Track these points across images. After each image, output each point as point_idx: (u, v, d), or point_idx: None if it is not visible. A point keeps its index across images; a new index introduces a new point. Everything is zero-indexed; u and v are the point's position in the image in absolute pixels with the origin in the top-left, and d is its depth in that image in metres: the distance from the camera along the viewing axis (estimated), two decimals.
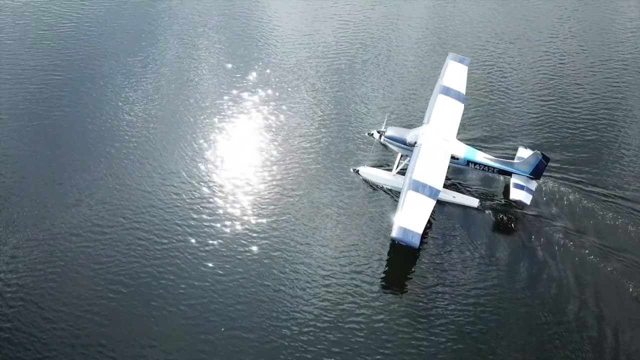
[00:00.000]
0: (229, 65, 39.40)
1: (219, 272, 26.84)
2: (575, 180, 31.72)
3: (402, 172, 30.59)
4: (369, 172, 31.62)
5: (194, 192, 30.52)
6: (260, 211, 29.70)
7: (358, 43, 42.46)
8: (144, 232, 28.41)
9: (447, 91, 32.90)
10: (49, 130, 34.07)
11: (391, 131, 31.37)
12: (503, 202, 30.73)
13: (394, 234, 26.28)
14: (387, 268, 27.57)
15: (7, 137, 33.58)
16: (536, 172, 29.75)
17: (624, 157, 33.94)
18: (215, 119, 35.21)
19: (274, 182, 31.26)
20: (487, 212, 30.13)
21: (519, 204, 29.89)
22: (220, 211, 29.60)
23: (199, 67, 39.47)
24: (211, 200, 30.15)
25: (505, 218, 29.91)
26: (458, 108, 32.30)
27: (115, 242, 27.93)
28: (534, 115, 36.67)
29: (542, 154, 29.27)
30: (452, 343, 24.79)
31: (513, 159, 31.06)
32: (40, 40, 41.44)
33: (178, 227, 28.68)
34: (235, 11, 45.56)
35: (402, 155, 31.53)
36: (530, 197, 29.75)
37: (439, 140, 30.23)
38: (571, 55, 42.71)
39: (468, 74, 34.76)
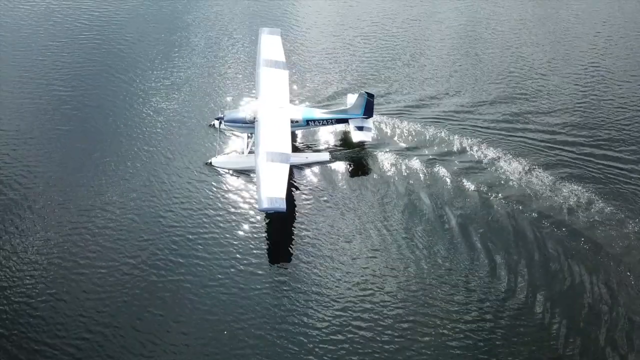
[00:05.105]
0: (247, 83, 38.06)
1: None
2: (413, 113, 34.90)
3: (253, 151, 31.47)
4: (222, 161, 32.06)
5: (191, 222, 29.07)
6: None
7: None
8: (139, 261, 26.80)
9: (268, 63, 34.36)
10: (54, 147, 32.50)
11: (229, 115, 32.13)
12: (350, 148, 32.98)
13: (262, 205, 27.06)
14: (265, 238, 28.29)
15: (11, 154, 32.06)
16: (368, 111, 32.30)
17: (443, 79, 37.84)
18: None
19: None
20: (340, 161, 32.26)
21: (364, 143, 32.36)
22: (223, 243, 28.07)
23: (217, 83, 37.97)
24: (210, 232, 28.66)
25: (357, 161, 32.27)
26: (283, 75, 33.93)
27: (108, 272, 26.22)
28: (356, 65, 39.75)
29: (366, 93, 31.86)
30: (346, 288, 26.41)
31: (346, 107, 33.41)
32: (53, 53, 39.62)
33: (171, 261, 27.16)
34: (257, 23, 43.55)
35: (248, 135, 32.48)
36: (370, 134, 32.40)
37: (274, 109, 31.58)
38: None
39: (285, 42, 36.72)
